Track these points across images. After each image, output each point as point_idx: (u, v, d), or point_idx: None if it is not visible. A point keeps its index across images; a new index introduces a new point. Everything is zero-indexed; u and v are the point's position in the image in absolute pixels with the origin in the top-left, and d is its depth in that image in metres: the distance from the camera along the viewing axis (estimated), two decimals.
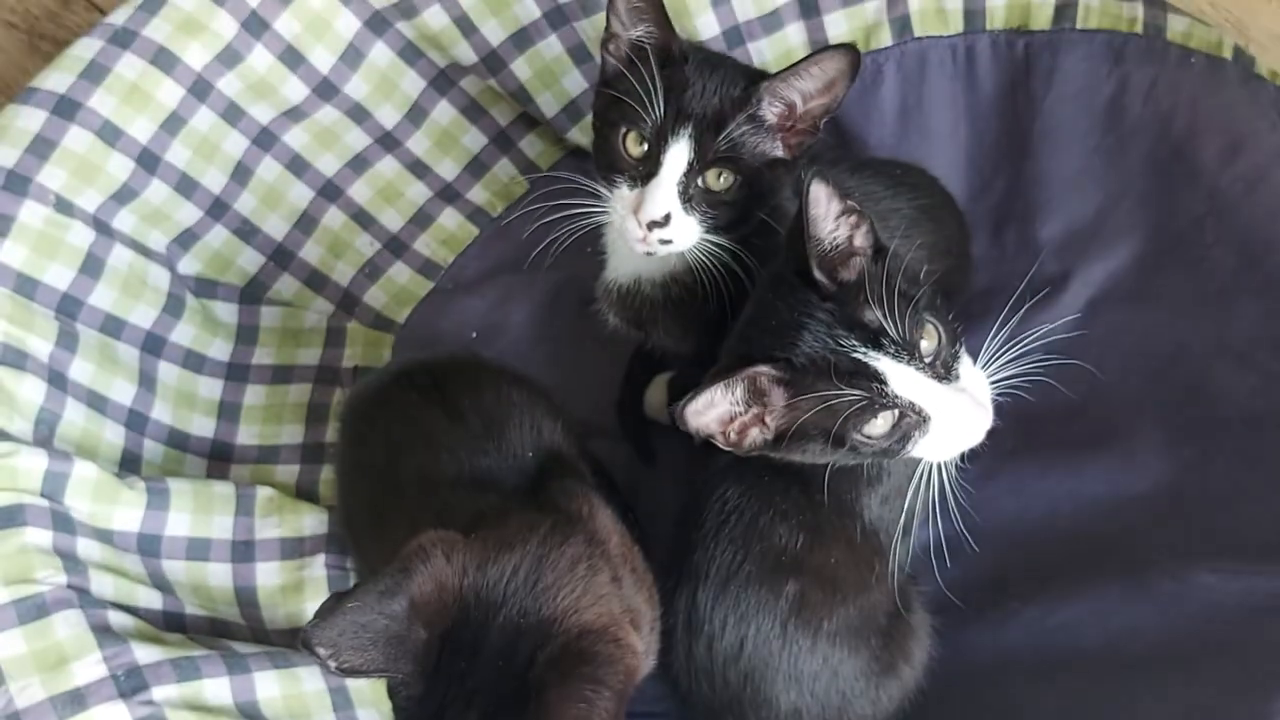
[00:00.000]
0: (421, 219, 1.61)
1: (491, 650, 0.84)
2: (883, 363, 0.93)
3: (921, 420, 0.96)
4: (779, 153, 1.12)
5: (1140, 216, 1.35)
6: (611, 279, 1.26)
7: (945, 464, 1.03)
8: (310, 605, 1.28)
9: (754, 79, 1.10)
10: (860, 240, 0.99)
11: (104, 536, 1.19)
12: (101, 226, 1.32)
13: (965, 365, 0.99)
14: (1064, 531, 1.26)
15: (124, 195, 1.35)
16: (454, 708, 0.82)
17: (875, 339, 0.94)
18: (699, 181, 1.08)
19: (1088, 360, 1.31)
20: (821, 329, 0.94)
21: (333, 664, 0.79)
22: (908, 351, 0.94)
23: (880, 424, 0.95)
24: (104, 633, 1.09)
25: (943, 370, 0.96)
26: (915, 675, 1.16)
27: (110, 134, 1.31)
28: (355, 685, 1.20)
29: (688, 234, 1.10)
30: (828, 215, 0.96)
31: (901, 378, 0.93)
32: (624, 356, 1.50)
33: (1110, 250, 1.35)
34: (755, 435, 0.98)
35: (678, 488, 1.34)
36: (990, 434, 1.25)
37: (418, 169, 1.59)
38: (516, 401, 1.13)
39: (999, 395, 1.03)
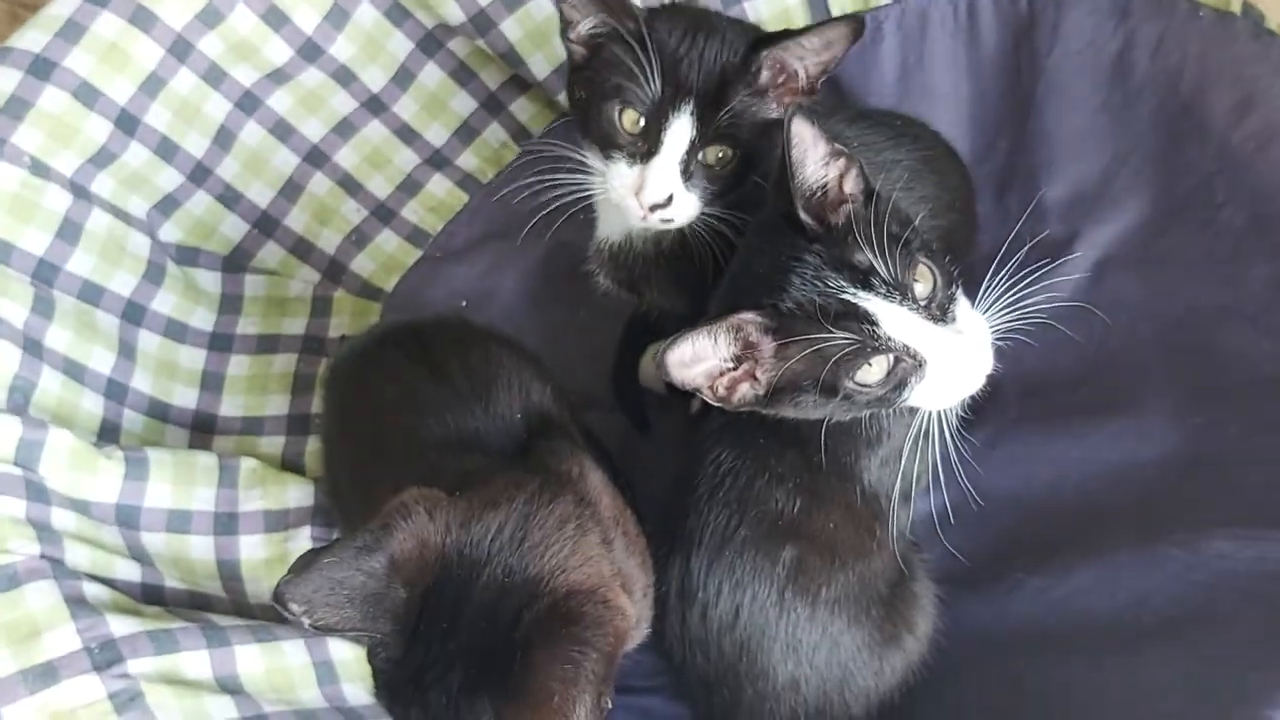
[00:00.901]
0: (410, 185, 1.58)
1: (474, 610, 0.81)
2: (873, 303, 0.89)
3: (917, 365, 0.92)
4: (774, 113, 1.08)
5: (1148, 176, 1.30)
6: (603, 238, 1.22)
7: (946, 418, 0.99)
8: None
9: (754, 44, 1.05)
10: (850, 185, 0.95)
11: (80, 507, 1.16)
12: (79, 190, 1.29)
13: (963, 308, 0.95)
14: (1071, 500, 1.22)
15: (102, 158, 1.31)
16: (435, 669, 0.79)
17: (865, 279, 0.90)
18: (700, 157, 1.05)
19: (1095, 326, 1.27)
20: (809, 272, 0.90)
21: (306, 621, 0.76)
22: (900, 292, 0.90)
23: (874, 370, 0.91)
24: (78, 604, 1.06)
25: (938, 313, 0.92)
26: (919, 646, 1.12)
27: (87, 95, 1.27)
28: (341, 658, 1.16)
29: (688, 210, 1.08)
30: (813, 156, 0.92)
31: (894, 319, 0.90)
32: (618, 325, 1.47)
33: (1117, 211, 1.31)
34: (745, 390, 0.94)
35: (674, 459, 1.29)
36: (993, 400, 1.24)
37: (405, 134, 1.55)
38: (504, 363, 1.10)
39: (1000, 340, 1.00)
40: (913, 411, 1.01)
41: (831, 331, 0.88)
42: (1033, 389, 1.27)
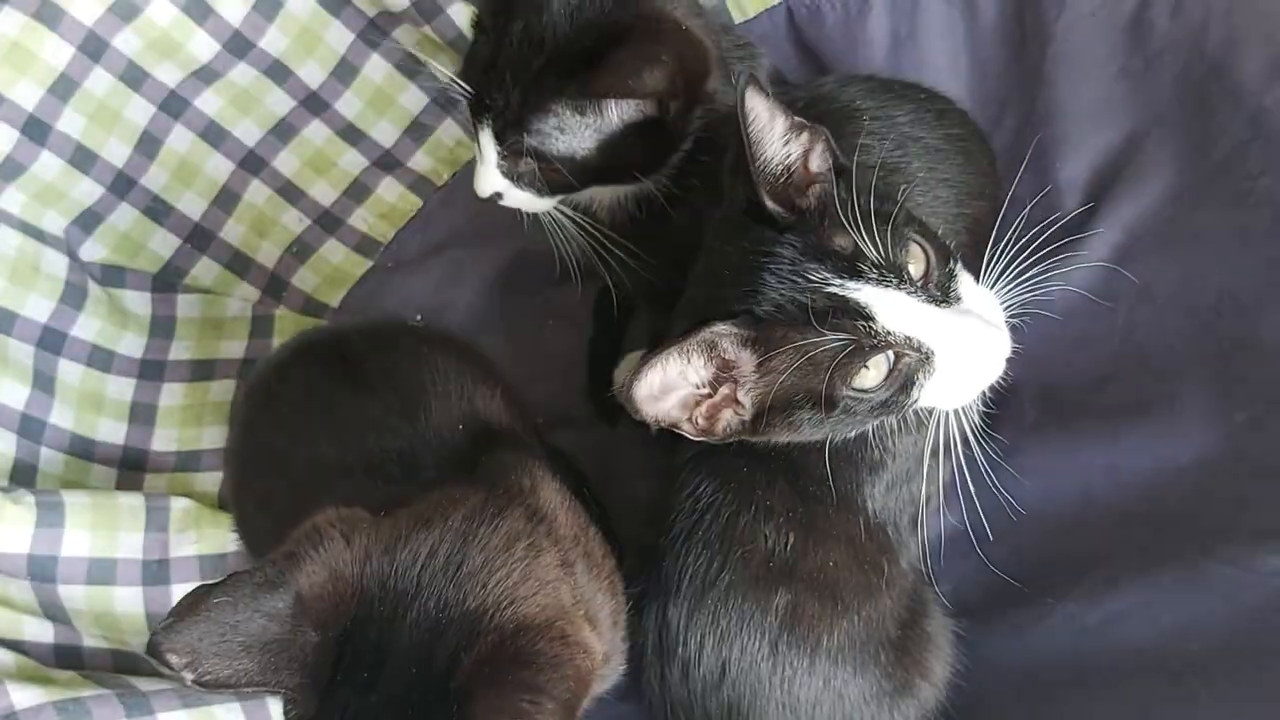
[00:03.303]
0: (357, 191, 1.47)
1: (402, 654, 0.68)
2: (865, 292, 0.77)
3: (924, 358, 0.80)
4: (641, 115, 0.97)
5: (1174, 147, 1.17)
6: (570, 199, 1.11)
7: (967, 419, 0.88)
8: None
9: (579, 72, 0.93)
10: (816, 163, 0.84)
11: None
12: None
13: (966, 284, 0.83)
14: (1101, 514, 1.10)
15: (8, 170, 1.23)
16: None
17: (852, 266, 0.78)
18: (519, 165, 1.01)
19: (1119, 317, 1.14)
20: (785, 267, 0.78)
21: (190, 676, 0.64)
22: (894, 275, 0.78)
23: (873, 372, 0.79)
24: None
25: (938, 293, 0.80)
26: (935, 693, 1.01)
27: None
28: None
29: (534, 203, 1.05)
30: (771, 132, 0.80)
31: (891, 308, 0.78)
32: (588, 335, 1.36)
33: (1141, 187, 1.18)
34: (729, 418, 0.82)
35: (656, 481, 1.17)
36: (1007, 405, 1.11)
37: (350, 134, 1.44)
38: (441, 368, 0.97)
39: (1013, 319, 0.89)
40: (921, 425, 0.89)
41: (821, 334, 0.76)
42: (1051, 391, 1.15)
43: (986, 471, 0.99)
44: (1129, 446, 1.11)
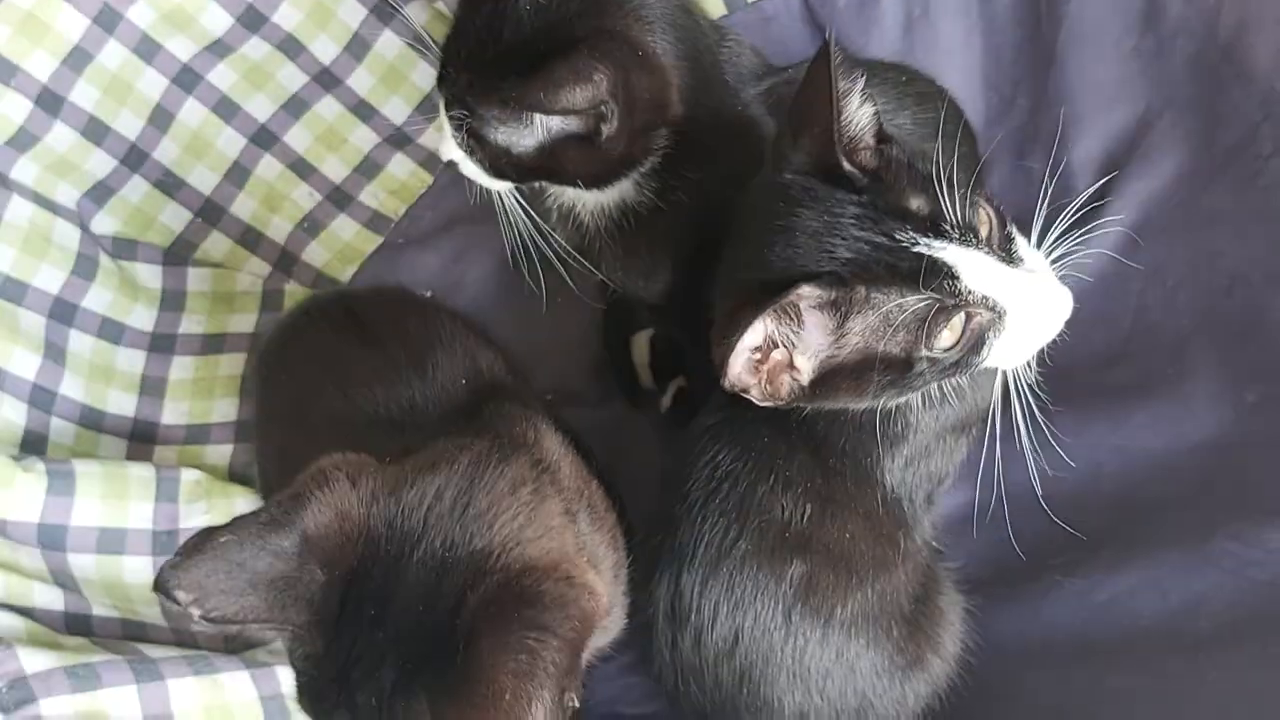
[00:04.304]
0: (368, 167, 1.46)
1: (409, 593, 0.68)
2: (950, 252, 0.77)
3: (996, 317, 0.80)
4: (568, 131, 0.95)
5: (1186, 128, 1.18)
6: (553, 196, 1.11)
7: (1019, 378, 0.88)
8: None
9: (518, 74, 0.90)
10: (878, 129, 0.83)
11: None
12: None
13: (1023, 246, 0.84)
14: (1109, 492, 1.11)
15: (22, 141, 1.22)
16: (362, 665, 0.67)
17: (935, 227, 0.77)
18: (465, 140, 0.98)
19: (1130, 299, 1.14)
20: (863, 228, 0.77)
21: (197, 612, 0.64)
22: (973, 235, 0.78)
23: (949, 333, 0.79)
24: None
25: (1005, 255, 0.80)
26: (946, 668, 1.01)
27: (4, 71, 1.18)
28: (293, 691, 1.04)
29: (489, 183, 1.03)
30: (849, 98, 0.80)
31: (972, 267, 0.77)
32: (599, 314, 1.37)
33: (1153, 168, 1.19)
34: (789, 383, 0.81)
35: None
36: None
37: (362, 111, 1.43)
38: (448, 327, 0.98)
39: None
40: (945, 400, 0.89)
41: (911, 292, 0.76)
42: (1060, 370, 1.13)
43: (1043, 429, 0.98)
44: (1139, 425, 1.12)
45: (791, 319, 0.77)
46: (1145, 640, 1.01)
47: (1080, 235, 1.06)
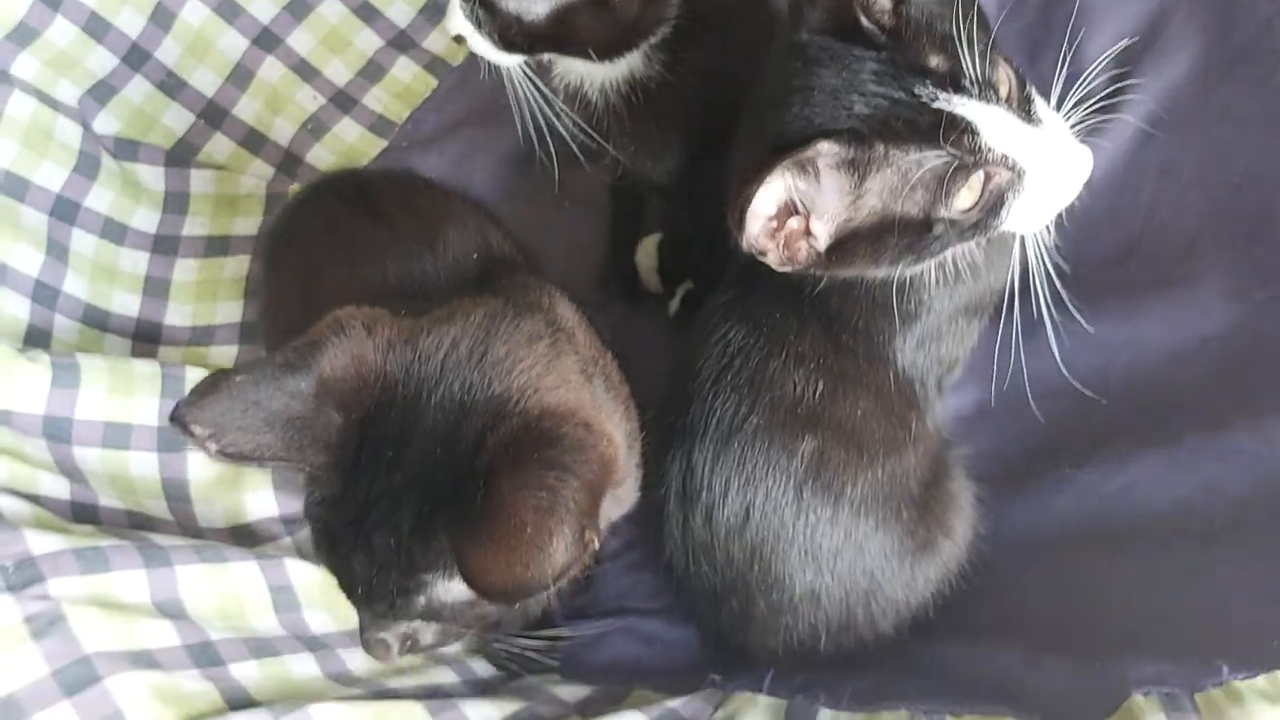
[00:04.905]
0: (372, 70, 1.45)
1: (426, 434, 0.68)
2: (970, 108, 0.75)
3: (1016, 177, 0.78)
4: None
5: (1200, 22, 1.17)
6: (560, 74, 1.09)
7: (1041, 245, 0.86)
8: (251, 497, 1.12)
9: None
10: None
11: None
12: None
13: (1043, 107, 0.82)
14: (1120, 386, 1.10)
15: (22, 35, 1.20)
16: (379, 507, 0.67)
17: (955, 81, 0.75)
18: (476, 10, 0.96)
19: (1140, 197, 1.14)
20: (882, 84, 0.76)
21: (213, 446, 0.64)
22: (994, 92, 0.76)
23: (968, 193, 0.77)
24: None
25: (1024, 114, 0.79)
26: (957, 552, 1.01)
27: None
28: (303, 582, 1.04)
29: (498, 57, 0.99)
30: None
31: (992, 124, 0.76)
32: (605, 218, 1.36)
33: (1165, 65, 1.17)
34: (805, 248, 0.79)
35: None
36: (1025, 282, 1.11)
37: (365, 12, 1.43)
38: (458, 204, 0.98)
39: None
40: (960, 278, 0.88)
41: (930, 147, 0.74)
42: (1074, 267, 1.13)
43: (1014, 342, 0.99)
44: (1149, 320, 1.12)
45: (810, 175, 0.75)
46: (1155, 528, 1.01)
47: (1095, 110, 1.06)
